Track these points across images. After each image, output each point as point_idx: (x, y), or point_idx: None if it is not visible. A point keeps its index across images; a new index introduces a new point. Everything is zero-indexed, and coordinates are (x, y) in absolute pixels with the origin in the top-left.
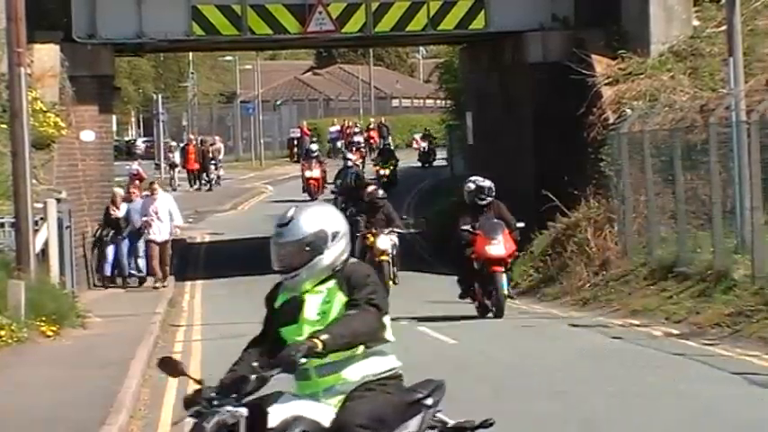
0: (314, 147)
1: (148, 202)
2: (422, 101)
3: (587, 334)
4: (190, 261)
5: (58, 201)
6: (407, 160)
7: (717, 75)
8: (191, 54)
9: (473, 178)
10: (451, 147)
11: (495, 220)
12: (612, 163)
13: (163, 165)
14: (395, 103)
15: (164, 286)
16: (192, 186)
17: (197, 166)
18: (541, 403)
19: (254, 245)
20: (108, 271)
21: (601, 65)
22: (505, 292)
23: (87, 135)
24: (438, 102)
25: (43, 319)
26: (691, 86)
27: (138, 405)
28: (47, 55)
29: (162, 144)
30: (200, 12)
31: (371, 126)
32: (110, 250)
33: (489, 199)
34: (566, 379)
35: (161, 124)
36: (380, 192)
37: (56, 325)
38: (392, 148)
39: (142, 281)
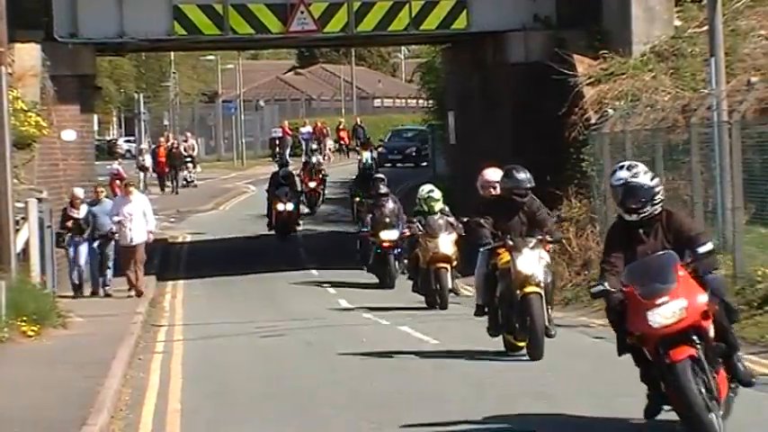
0: (314, 160)
1: (121, 203)
2: (404, 101)
3: (569, 334)
4: (171, 261)
5: (39, 200)
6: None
7: (698, 75)
8: (172, 54)
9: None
10: (433, 147)
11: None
12: (594, 163)
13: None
14: (377, 102)
15: (138, 294)
16: (162, 190)
17: (167, 169)
18: (525, 403)
19: (235, 244)
20: (76, 278)
21: (582, 65)
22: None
23: (68, 134)
24: (420, 102)
25: (24, 319)
26: (672, 87)
27: (119, 405)
28: (28, 54)
29: (143, 143)
30: (181, 11)
31: (341, 126)
32: (71, 253)
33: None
34: (549, 378)
35: (142, 124)
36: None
37: (37, 325)
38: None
39: (98, 290)
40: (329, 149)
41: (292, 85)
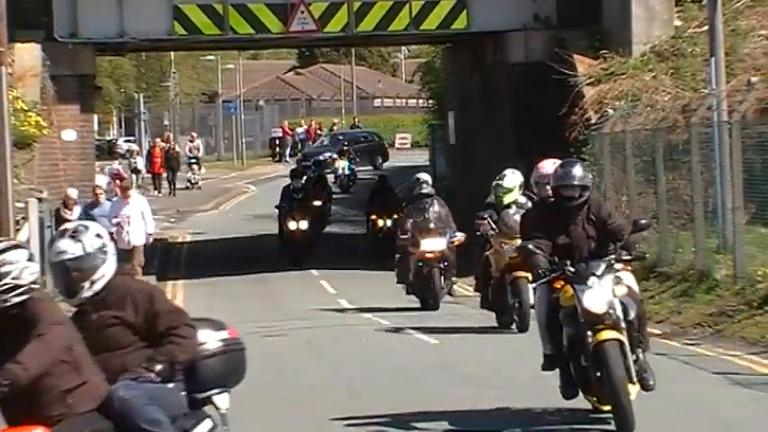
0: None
1: (120, 205)
2: (404, 100)
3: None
4: (171, 261)
5: (40, 200)
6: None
7: (698, 75)
8: (172, 53)
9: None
10: (434, 147)
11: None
12: (594, 163)
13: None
14: (377, 102)
15: None
16: (157, 192)
17: (162, 170)
18: (525, 402)
19: (235, 244)
20: None
21: (583, 65)
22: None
23: (68, 134)
24: (420, 101)
25: None
26: (672, 86)
27: None
28: (28, 54)
29: (144, 143)
30: (181, 11)
31: (335, 126)
32: None
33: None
34: (547, 378)
35: (142, 124)
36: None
37: None
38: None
39: None
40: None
41: (292, 84)
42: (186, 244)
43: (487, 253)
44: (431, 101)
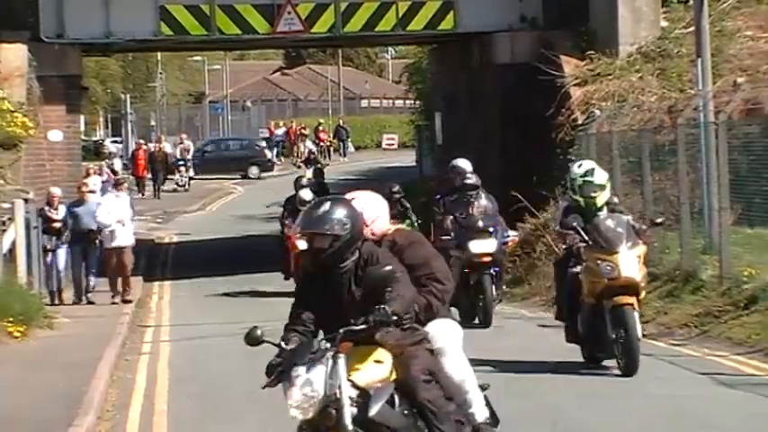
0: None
1: (112, 203)
2: (391, 101)
3: (556, 335)
4: (158, 262)
5: (26, 201)
6: (374, 160)
7: (685, 75)
8: (159, 54)
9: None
10: (421, 147)
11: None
12: None
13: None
14: (364, 103)
15: (125, 300)
16: (141, 194)
17: (146, 172)
18: (512, 403)
19: (222, 245)
20: (54, 286)
21: (569, 66)
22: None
23: (55, 135)
24: (407, 102)
25: (10, 319)
26: (659, 87)
27: (106, 406)
28: (14, 54)
29: (130, 144)
30: (168, 12)
31: (320, 128)
32: (50, 260)
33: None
34: (535, 379)
35: (129, 124)
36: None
37: (23, 326)
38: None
39: (80, 298)
40: (307, 152)
41: (279, 85)
42: (173, 245)
43: (575, 271)
44: (418, 102)
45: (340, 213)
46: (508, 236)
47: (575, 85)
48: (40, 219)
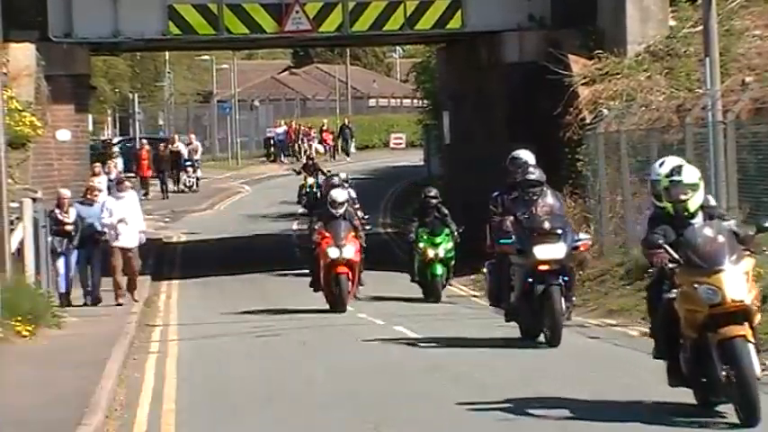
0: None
1: (118, 201)
2: (399, 100)
3: (564, 334)
4: (166, 260)
5: (34, 200)
6: (382, 159)
7: (693, 75)
8: (167, 53)
9: None
10: (428, 147)
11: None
12: (589, 163)
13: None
14: (372, 102)
15: (134, 300)
16: (146, 196)
17: (150, 173)
18: (517, 403)
19: (230, 244)
20: (63, 288)
21: (577, 65)
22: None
23: (63, 134)
24: (415, 101)
25: (19, 318)
26: (667, 86)
27: (114, 405)
28: (22, 54)
29: (138, 143)
30: (176, 11)
31: (324, 128)
32: (60, 263)
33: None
34: (542, 379)
35: (137, 124)
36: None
37: (31, 325)
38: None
39: (96, 301)
40: (312, 151)
41: (287, 84)
42: (181, 244)
43: (670, 296)
44: (425, 101)
45: None
46: (579, 239)
47: (583, 84)
48: (50, 220)
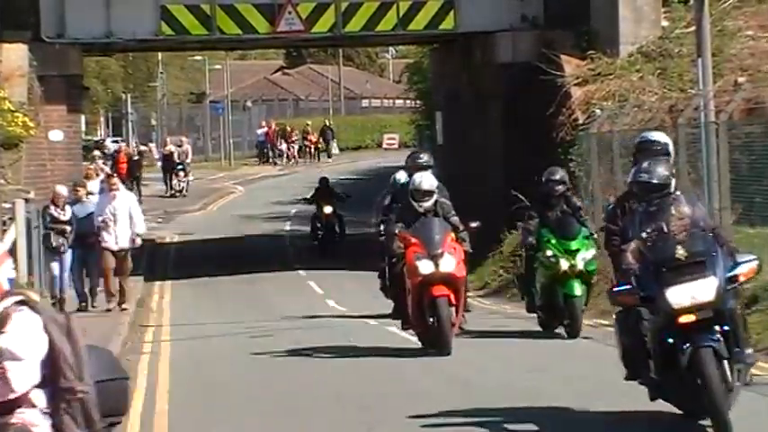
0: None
1: (105, 201)
2: (392, 101)
3: (557, 334)
4: (159, 261)
5: (27, 201)
6: (375, 159)
7: (686, 75)
8: (160, 54)
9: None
10: (421, 147)
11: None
12: (582, 163)
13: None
14: (365, 103)
15: (122, 309)
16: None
17: (128, 176)
18: (512, 403)
19: (223, 245)
20: (57, 289)
21: (570, 65)
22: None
23: (56, 135)
24: (408, 102)
25: None
26: (660, 87)
27: None
28: (15, 54)
29: (131, 144)
30: (169, 11)
31: (308, 129)
32: (55, 265)
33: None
34: (535, 379)
35: (130, 124)
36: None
37: None
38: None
39: (82, 305)
40: (290, 153)
41: (280, 85)
42: (173, 244)
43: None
44: (418, 101)
45: None
46: (737, 263)
47: (575, 84)
48: (46, 218)
